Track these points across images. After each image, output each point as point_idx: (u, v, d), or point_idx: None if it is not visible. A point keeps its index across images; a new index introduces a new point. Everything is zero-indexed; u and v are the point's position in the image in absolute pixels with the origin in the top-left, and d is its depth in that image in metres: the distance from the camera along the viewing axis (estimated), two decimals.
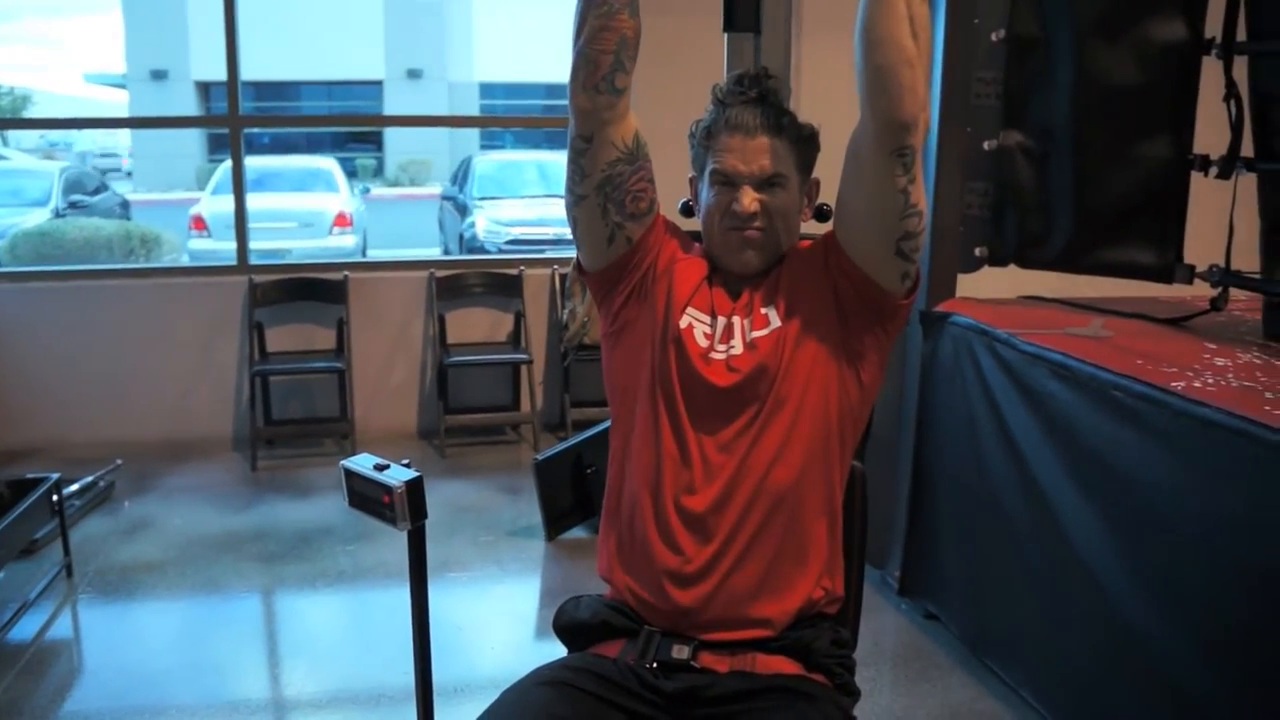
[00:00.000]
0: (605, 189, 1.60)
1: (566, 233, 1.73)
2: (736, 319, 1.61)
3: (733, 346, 1.59)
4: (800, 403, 1.56)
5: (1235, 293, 2.97)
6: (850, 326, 1.59)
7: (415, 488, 1.63)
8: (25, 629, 3.21)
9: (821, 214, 1.70)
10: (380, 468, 1.65)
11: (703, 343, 1.60)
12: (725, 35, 1.80)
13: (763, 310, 1.61)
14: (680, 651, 1.53)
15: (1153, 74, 2.95)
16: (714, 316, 1.62)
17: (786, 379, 1.56)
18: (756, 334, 1.59)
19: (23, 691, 2.86)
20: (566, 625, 1.66)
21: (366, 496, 1.66)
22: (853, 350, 1.59)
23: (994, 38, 3.11)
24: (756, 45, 1.77)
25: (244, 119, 5.06)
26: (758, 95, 1.63)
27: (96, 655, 3.17)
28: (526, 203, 10.61)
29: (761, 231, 1.61)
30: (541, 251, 7.89)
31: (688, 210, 1.74)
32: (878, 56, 1.43)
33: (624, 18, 1.53)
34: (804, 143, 1.64)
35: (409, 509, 1.63)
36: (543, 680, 1.52)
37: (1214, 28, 2.88)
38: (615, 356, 1.69)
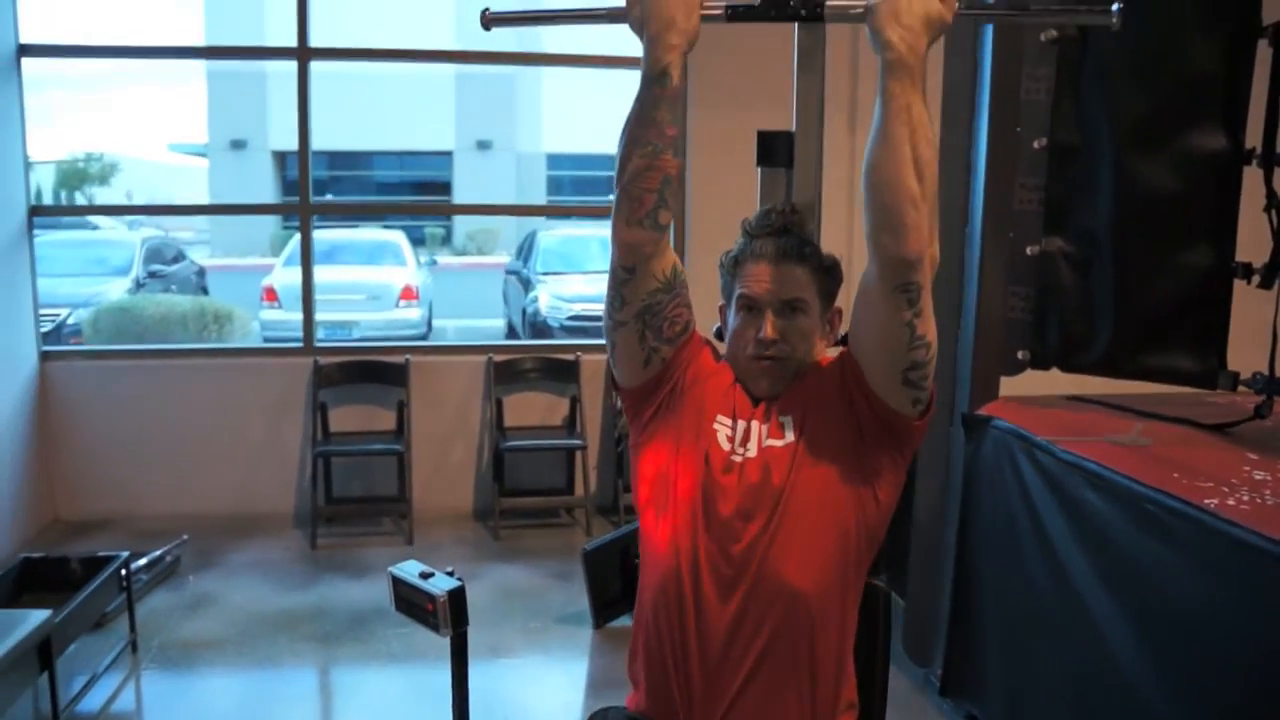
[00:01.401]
0: (644, 316, 1.69)
1: None
2: (755, 424, 1.68)
3: (748, 450, 1.66)
4: (813, 520, 1.61)
5: None
6: (866, 444, 1.64)
7: (457, 597, 1.70)
8: (93, 701, 3.35)
9: (843, 344, 1.77)
10: (425, 575, 1.73)
11: (725, 446, 1.67)
12: (759, 169, 1.90)
13: (780, 419, 1.67)
14: None
15: (1193, 182, 2.98)
16: (735, 420, 1.69)
17: (796, 497, 1.61)
18: (772, 443, 1.65)
19: None
20: None
21: (412, 603, 1.74)
22: (868, 468, 1.64)
23: (1036, 145, 3.16)
24: (789, 179, 1.86)
25: (313, 207, 5.27)
26: (782, 227, 1.72)
27: None
28: (589, 278, 10.74)
29: (779, 361, 1.68)
30: (600, 333, 7.99)
31: (720, 337, 1.82)
32: (882, 196, 1.49)
33: (667, 157, 1.62)
34: (825, 272, 1.73)
35: (451, 616, 1.70)
36: None
37: (1254, 137, 2.93)
38: (641, 467, 1.76)
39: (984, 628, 3.10)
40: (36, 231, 5.10)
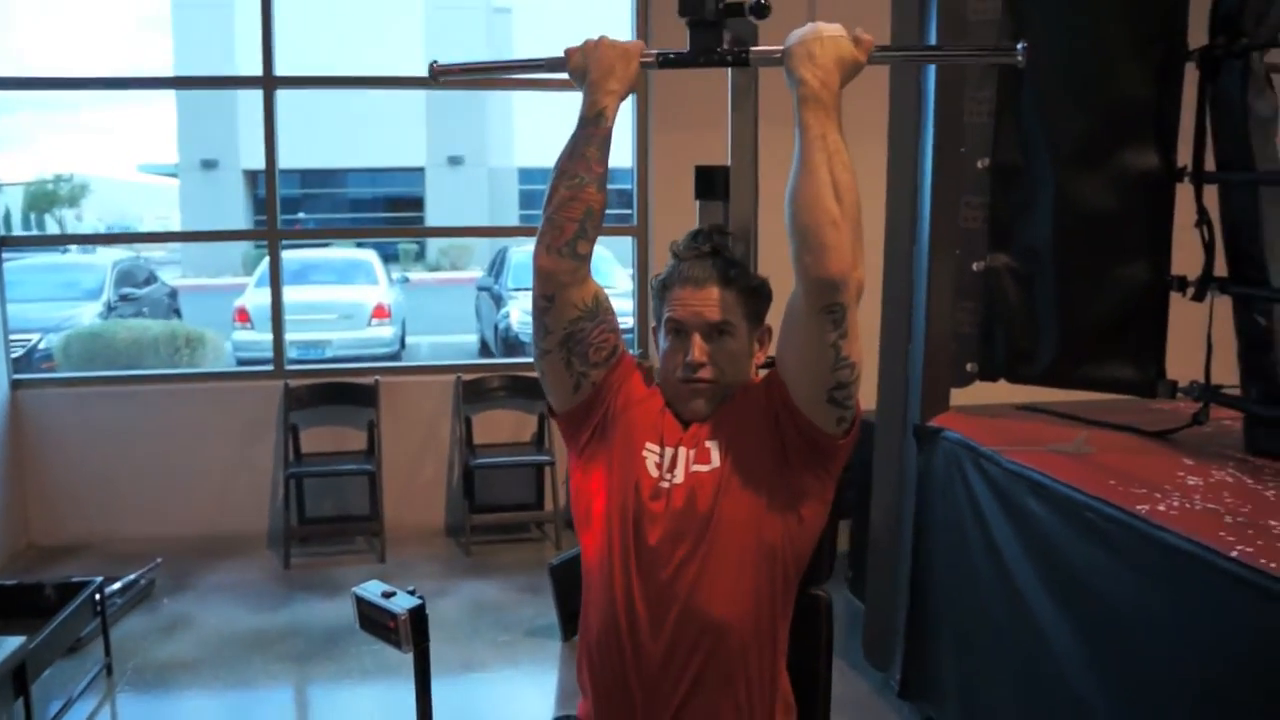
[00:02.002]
0: (568, 344, 1.75)
1: None
2: (682, 449, 1.74)
3: (675, 476, 1.72)
4: (740, 546, 1.68)
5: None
6: (790, 463, 1.70)
7: (418, 614, 1.77)
8: None
9: (770, 365, 1.84)
10: (387, 595, 1.81)
11: (654, 473, 1.73)
12: (697, 202, 2.00)
13: (706, 444, 1.74)
14: None
15: (1129, 200, 3.10)
16: (662, 446, 1.75)
17: (723, 522, 1.68)
18: (698, 468, 1.72)
19: None
20: None
21: (375, 621, 1.81)
22: (793, 489, 1.70)
23: (980, 165, 3.27)
24: (725, 210, 1.96)
25: (281, 233, 5.35)
26: (710, 250, 1.79)
27: None
28: None
29: (709, 382, 1.75)
30: None
31: None
32: (803, 218, 1.54)
33: (592, 191, 1.69)
34: (752, 293, 1.79)
35: (412, 633, 1.77)
36: None
37: (1186, 156, 3.04)
38: (576, 489, 1.83)
39: (939, 632, 3.20)
40: (6, 255, 5.14)
